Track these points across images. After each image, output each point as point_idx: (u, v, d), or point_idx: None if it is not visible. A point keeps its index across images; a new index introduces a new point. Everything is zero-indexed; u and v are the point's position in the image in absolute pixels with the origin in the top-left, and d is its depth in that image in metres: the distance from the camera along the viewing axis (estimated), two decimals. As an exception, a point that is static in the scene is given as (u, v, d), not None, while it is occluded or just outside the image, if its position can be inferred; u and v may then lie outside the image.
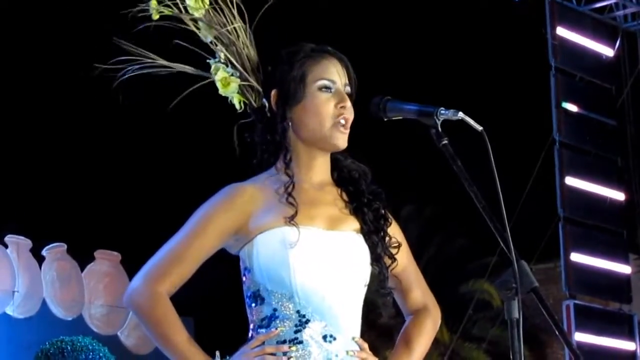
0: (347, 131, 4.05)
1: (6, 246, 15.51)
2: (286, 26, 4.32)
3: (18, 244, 15.64)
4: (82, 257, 16.22)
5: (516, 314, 3.69)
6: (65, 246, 16.03)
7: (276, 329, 3.95)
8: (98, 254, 16.35)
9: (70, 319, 15.61)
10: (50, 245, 15.93)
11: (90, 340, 13.76)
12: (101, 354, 13.38)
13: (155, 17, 4.04)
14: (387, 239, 4.14)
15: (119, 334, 15.57)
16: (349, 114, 4.04)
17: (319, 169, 4.12)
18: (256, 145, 4.13)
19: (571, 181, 20.63)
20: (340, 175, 4.17)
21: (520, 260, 3.60)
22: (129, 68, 4.01)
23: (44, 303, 15.61)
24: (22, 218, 16.59)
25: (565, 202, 20.50)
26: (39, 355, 13.43)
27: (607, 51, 21.77)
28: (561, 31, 20.98)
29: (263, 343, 3.93)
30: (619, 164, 21.81)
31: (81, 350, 13.39)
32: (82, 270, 16.15)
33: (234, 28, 4.12)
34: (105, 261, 16.23)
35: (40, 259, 15.80)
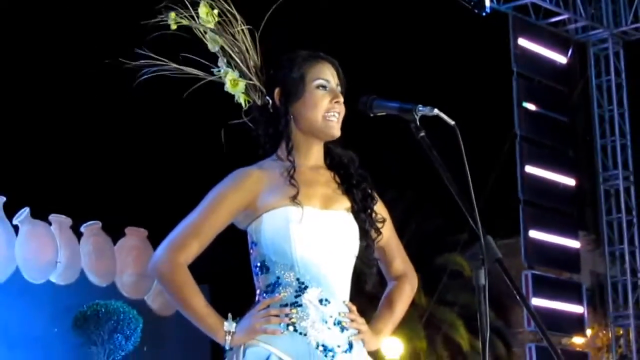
0: (340, 122, 4.08)
1: (50, 224, 15.48)
2: (284, 35, 4.29)
3: (60, 221, 15.61)
4: (115, 233, 16.20)
5: (483, 281, 3.70)
6: (100, 224, 16.01)
7: (279, 294, 3.95)
8: (128, 230, 16.34)
9: (104, 285, 15.59)
10: (87, 223, 15.91)
11: (121, 304, 13.73)
12: (130, 316, 13.36)
13: (174, 27, 4.06)
14: (373, 215, 4.15)
15: (145, 298, 15.53)
16: (342, 108, 4.07)
17: (315, 155, 4.13)
18: (259, 137, 4.15)
19: (530, 169, 20.70)
20: (332, 161, 4.17)
21: (487, 235, 3.61)
22: (150, 69, 4.03)
23: (82, 272, 15.59)
24: (64, 199, 16.57)
25: (525, 187, 20.57)
26: (78, 316, 13.40)
27: (561, 59, 21.80)
28: (522, 42, 21.02)
29: (268, 306, 3.92)
30: (570, 154, 21.87)
31: (113, 312, 13.37)
32: (114, 244, 16.13)
33: (243, 38, 4.14)
34: (134, 236, 16.22)
35: (79, 235, 15.78)
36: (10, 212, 15.17)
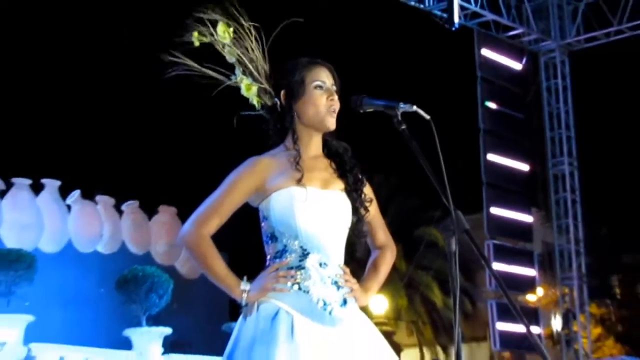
0: (335, 116, 4.13)
1: (96, 203, 15.48)
2: (288, 47, 4.33)
3: (105, 201, 15.61)
4: (150, 210, 16.20)
5: (454, 247, 3.77)
6: (138, 203, 16.00)
7: (286, 259, 3.99)
8: (160, 208, 16.33)
9: (141, 254, 15.60)
10: (127, 202, 15.90)
11: (155, 269, 13.70)
12: (162, 279, 13.34)
13: (196, 44, 4.16)
14: (363, 195, 4.19)
15: (175, 264, 15.54)
16: (336, 105, 4.11)
17: (315, 145, 4.17)
18: (269, 131, 4.20)
19: (491, 157, 20.74)
20: (329, 150, 4.21)
21: (457, 210, 3.69)
22: (181, 68, 4.13)
23: (122, 243, 15.59)
24: (108, 182, 16.55)
25: (487, 172, 20.60)
26: (120, 279, 13.40)
27: (517, 65, 21.78)
28: (485, 52, 21.01)
29: (277, 269, 3.97)
30: (525, 145, 21.86)
31: (149, 276, 13.35)
32: (149, 219, 16.13)
33: (253, 49, 4.20)
34: (166, 213, 16.22)
35: (120, 212, 15.78)
36: (64, 194, 15.18)
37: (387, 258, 4.37)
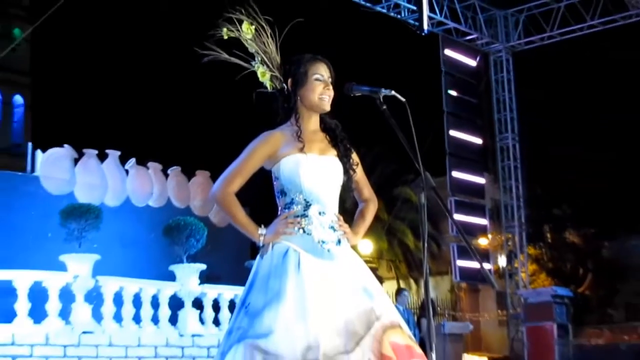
0: (330, 101, 4.16)
1: (148, 168, 15.43)
2: (295, 43, 4.34)
3: (154, 167, 15.55)
4: (189, 174, 16.16)
5: (423, 201, 3.79)
6: (180, 168, 15.96)
7: (293, 209, 4.03)
8: (197, 172, 16.25)
9: (182, 207, 15.56)
10: (172, 168, 15.85)
11: (193, 219, 13.69)
12: (199, 227, 13.32)
13: (226, 37, 4.19)
14: (351, 160, 4.22)
15: (209, 215, 15.51)
16: (331, 93, 4.15)
17: (314, 122, 4.21)
18: (278, 110, 4.23)
19: (453, 133, 20.71)
20: (325, 126, 4.25)
21: (426, 172, 3.71)
22: (213, 57, 4.21)
23: (168, 199, 15.55)
24: (157, 151, 16.54)
25: (450, 144, 20.57)
26: (166, 227, 13.40)
27: (472, 63, 21.72)
28: (447, 52, 20.95)
29: (286, 217, 4.01)
30: (478, 123, 21.87)
31: (189, 224, 13.34)
32: (188, 181, 16.09)
33: (268, 44, 4.22)
34: (201, 176, 16.16)
35: (166, 175, 15.74)
36: (123, 161, 15.17)
37: (371, 209, 4.39)
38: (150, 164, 15.56)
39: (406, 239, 33.88)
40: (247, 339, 3.68)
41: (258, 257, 4.02)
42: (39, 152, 14.53)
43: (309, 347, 3.60)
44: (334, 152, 4.17)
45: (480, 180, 21.67)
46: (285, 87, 4.18)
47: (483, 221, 21.74)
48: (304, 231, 3.97)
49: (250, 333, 3.70)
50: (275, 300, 3.73)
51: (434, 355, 3.69)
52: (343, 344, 3.66)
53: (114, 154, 15.02)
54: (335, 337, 3.67)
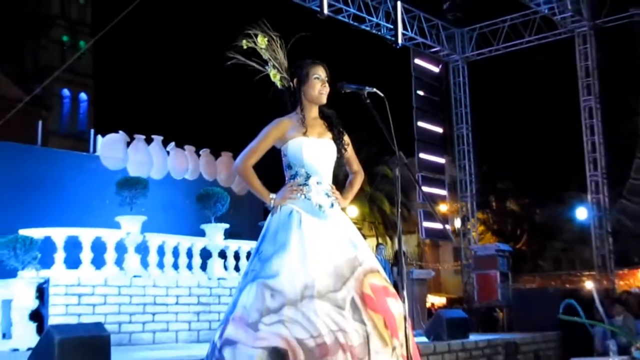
0: (326, 96, 4.12)
1: (184, 150, 15.39)
2: (298, 50, 4.32)
3: (189, 149, 15.44)
4: (216, 154, 16.11)
5: (397, 174, 3.73)
6: (209, 150, 15.91)
7: (297, 180, 4.01)
8: (223, 153, 16.19)
9: (211, 180, 15.53)
10: (203, 149, 15.79)
11: (220, 189, 13.67)
12: (224, 195, 13.29)
13: (245, 47, 4.13)
14: (343, 141, 4.20)
15: (232, 186, 15.48)
16: (327, 89, 4.11)
17: (314, 112, 4.16)
18: (287, 102, 4.18)
19: (420, 124, 20.65)
20: (322, 115, 4.20)
21: (400, 152, 3.68)
22: (236, 61, 4.15)
23: (200, 174, 15.52)
24: (192, 137, 16.39)
25: (418, 132, 20.51)
26: (198, 195, 13.37)
27: (436, 69, 21.62)
28: (417, 61, 20.87)
29: (291, 186, 3.99)
30: (440, 117, 21.79)
31: (216, 193, 13.31)
32: (216, 160, 16.05)
33: (278, 52, 4.18)
34: (225, 156, 16.07)
35: (198, 155, 15.69)
36: (165, 144, 15.14)
37: (358, 179, 4.35)
38: (186, 146, 15.53)
39: (383, 206, 34.05)
40: (259, 279, 3.69)
41: (269, 216, 4.00)
42: (99, 137, 14.51)
43: (306, 286, 3.60)
44: (329, 135, 4.12)
45: (441, 160, 21.60)
46: (292, 85, 4.14)
47: (443, 192, 21.75)
48: (305, 197, 3.94)
49: (261, 274, 3.70)
50: (281, 249, 3.73)
51: (405, 293, 3.68)
52: (332, 284, 3.65)
53: (158, 139, 14.98)
54: (326, 278, 3.66)
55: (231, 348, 3.55)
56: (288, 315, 3.52)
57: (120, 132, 14.45)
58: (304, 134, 4.03)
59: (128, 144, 14.48)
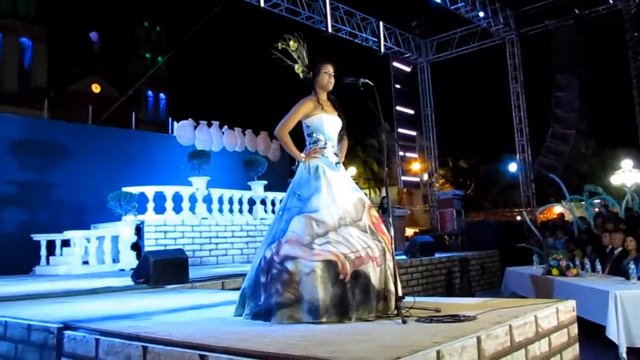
0: (332, 85, 4.03)
1: (234, 130, 15.27)
2: (315, 53, 4.27)
3: (238, 130, 15.22)
4: (256, 133, 15.95)
5: (383, 138, 3.70)
6: (252, 130, 15.67)
7: (317, 144, 3.95)
8: (261, 132, 15.98)
9: (254, 151, 15.29)
10: (247, 130, 15.61)
11: (260, 157, 13.64)
12: (262, 161, 13.22)
13: (280, 48, 4.03)
14: (342, 117, 4.10)
15: (268, 155, 15.42)
16: (332, 81, 4.02)
17: (324, 96, 4.06)
18: (309, 87, 4.06)
19: (398, 108, 20.45)
20: (329, 98, 4.10)
21: (385, 123, 3.64)
22: (275, 57, 4.03)
23: (246, 147, 15.38)
24: (240, 120, 16.20)
25: (396, 114, 20.36)
26: (245, 161, 13.30)
27: (408, 69, 21.33)
28: (395, 63, 20.60)
29: (314, 149, 3.93)
30: (412, 102, 21.55)
31: (257, 160, 13.25)
32: (257, 137, 15.93)
33: (302, 53, 4.09)
34: (263, 135, 15.90)
35: (244, 134, 15.56)
36: (220, 126, 15.05)
37: (346, 144, 4.20)
38: (235, 128, 15.46)
39: (373, 166, 33.84)
40: (304, 213, 3.64)
41: (298, 169, 3.92)
42: (175, 123, 14.50)
43: (340, 217, 3.61)
44: (335, 112, 4.05)
45: (413, 133, 21.41)
46: (310, 76, 4.06)
47: (415, 155, 21.65)
48: (324, 155, 3.90)
49: (305, 210, 3.65)
50: (316, 192, 3.71)
51: (390, 220, 3.73)
52: (355, 215, 3.68)
53: (215, 123, 14.94)
54: (352, 211, 3.69)
55: (292, 262, 3.48)
56: (332, 238, 3.52)
57: (189, 119, 14.42)
58: (322, 110, 3.96)
59: (195, 127, 14.45)
